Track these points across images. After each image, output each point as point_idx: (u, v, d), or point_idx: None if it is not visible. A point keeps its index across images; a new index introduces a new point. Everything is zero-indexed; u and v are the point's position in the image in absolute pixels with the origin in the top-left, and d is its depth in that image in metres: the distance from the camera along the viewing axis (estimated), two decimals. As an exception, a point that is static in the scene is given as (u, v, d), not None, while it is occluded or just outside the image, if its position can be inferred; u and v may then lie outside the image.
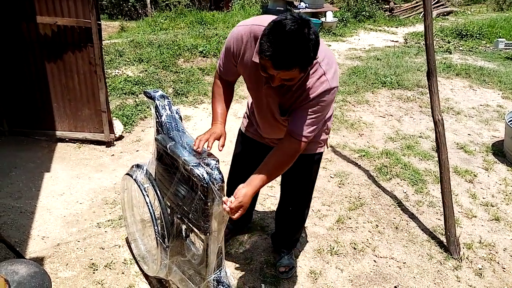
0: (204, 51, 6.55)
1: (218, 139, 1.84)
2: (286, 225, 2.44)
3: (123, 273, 2.43)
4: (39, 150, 3.67)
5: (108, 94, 3.84)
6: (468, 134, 4.56)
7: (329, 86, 1.60)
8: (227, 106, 2.00)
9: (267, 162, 1.74)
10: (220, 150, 1.82)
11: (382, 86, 5.81)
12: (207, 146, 1.80)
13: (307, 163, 2.13)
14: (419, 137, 4.41)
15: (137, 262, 2.48)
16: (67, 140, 3.82)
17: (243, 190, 1.69)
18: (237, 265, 2.53)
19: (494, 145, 4.30)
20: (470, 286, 2.54)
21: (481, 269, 2.67)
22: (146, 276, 2.39)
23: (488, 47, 8.47)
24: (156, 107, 2.15)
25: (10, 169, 3.35)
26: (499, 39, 8.40)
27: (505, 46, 8.23)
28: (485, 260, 2.75)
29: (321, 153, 2.15)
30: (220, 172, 1.75)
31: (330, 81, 1.60)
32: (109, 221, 2.85)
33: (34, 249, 2.56)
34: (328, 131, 2.12)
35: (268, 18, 1.58)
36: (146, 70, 5.61)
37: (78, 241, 2.65)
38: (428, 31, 2.74)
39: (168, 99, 2.19)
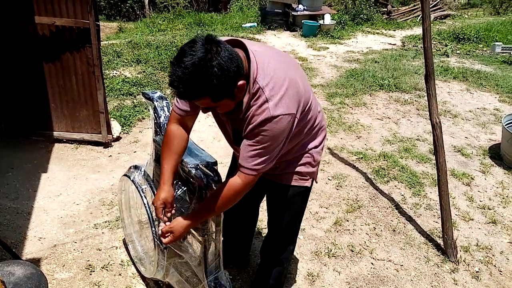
0: (202, 53, 6.54)
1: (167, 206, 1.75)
2: (265, 260, 2.19)
3: (120, 274, 2.42)
4: (36, 151, 3.65)
5: (106, 95, 3.83)
6: (465, 137, 4.58)
7: (270, 114, 1.42)
8: (178, 159, 1.75)
9: (212, 195, 1.63)
10: (168, 217, 1.75)
11: (380, 88, 5.82)
12: (164, 218, 1.76)
13: (287, 196, 1.89)
14: (417, 140, 4.43)
15: (134, 264, 2.47)
16: (64, 141, 3.80)
17: (179, 219, 1.67)
18: (235, 268, 2.53)
19: (491, 148, 4.31)
20: (467, 289, 2.54)
21: (478, 272, 2.68)
22: (143, 277, 2.38)
23: (485, 50, 8.51)
24: (155, 108, 2.15)
25: (7, 170, 3.33)
26: (496, 43, 8.44)
27: (501, 50, 8.27)
28: (482, 263, 2.76)
29: (306, 188, 1.90)
30: (218, 174, 1.75)
31: (272, 109, 1.42)
32: (106, 222, 2.84)
33: (31, 250, 2.55)
34: (315, 163, 1.87)
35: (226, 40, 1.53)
36: (144, 71, 5.60)
37: (75, 242, 2.64)
38: (426, 34, 2.75)
39: (167, 100, 2.19)
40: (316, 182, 2.01)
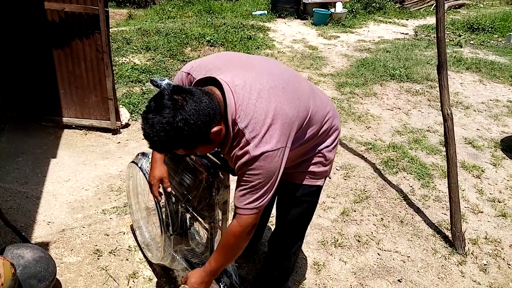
0: (211, 40, 6.52)
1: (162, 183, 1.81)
2: (273, 252, 2.15)
3: (127, 259, 2.45)
4: (46, 137, 3.68)
5: (115, 81, 3.84)
6: (477, 129, 4.51)
7: (251, 156, 1.36)
8: None
9: (219, 246, 1.59)
10: (169, 191, 1.80)
11: (391, 79, 5.75)
12: (160, 196, 1.83)
13: (298, 194, 1.84)
14: (427, 131, 4.37)
15: (141, 249, 2.49)
16: (73, 127, 3.83)
17: (195, 274, 1.63)
18: (241, 256, 2.53)
19: (503, 141, 4.24)
20: (474, 281, 2.52)
21: (486, 264, 2.66)
22: (150, 263, 2.40)
23: (500, 41, 8.33)
24: (162, 95, 2.14)
25: (17, 155, 3.37)
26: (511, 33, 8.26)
27: (517, 40, 8.09)
28: (490, 256, 2.73)
29: (318, 186, 1.85)
30: (224, 161, 1.74)
31: (252, 150, 1.36)
32: (114, 208, 2.86)
33: (40, 234, 2.58)
34: (327, 162, 1.80)
35: (210, 64, 1.51)
36: (153, 58, 5.59)
37: (83, 227, 2.67)
38: (439, 24, 2.69)
39: (175, 87, 2.17)
40: (330, 178, 1.97)
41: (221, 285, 1.85)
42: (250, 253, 2.55)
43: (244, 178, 1.43)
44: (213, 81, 1.41)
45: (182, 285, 1.69)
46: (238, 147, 1.39)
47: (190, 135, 1.28)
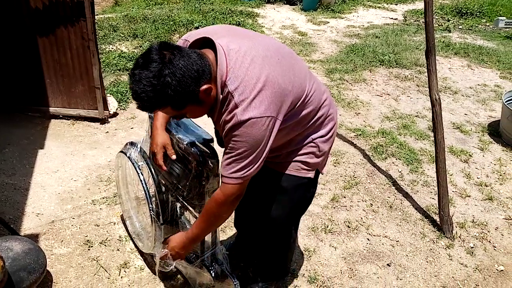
0: (200, 27, 6.43)
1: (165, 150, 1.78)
2: (263, 251, 2.09)
3: (118, 249, 2.45)
4: (33, 127, 3.63)
5: (102, 70, 3.78)
6: (465, 114, 4.55)
7: (237, 120, 1.32)
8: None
9: (202, 212, 1.59)
10: (174, 159, 1.77)
11: (380, 64, 5.75)
12: (163, 164, 1.79)
13: (288, 186, 1.75)
14: (416, 116, 4.40)
15: (132, 239, 2.49)
16: (60, 117, 3.77)
17: (175, 239, 1.68)
18: (231, 243, 2.55)
19: (490, 125, 4.29)
20: (462, 264, 2.58)
21: (472, 247, 2.71)
22: (141, 252, 2.41)
23: (488, 25, 8.37)
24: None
25: (3, 146, 3.32)
26: (500, 18, 8.29)
27: (505, 24, 8.13)
28: (477, 239, 2.79)
29: (308, 179, 1.75)
30: (214, 151, 1.73)
31: (240, 114, 1.32)
32: (104, 198, 2.85)
33: (29, 226, 2.56)
34: (320, 153, 1.71)
35: (209, 30, 1.49)
36: (140, 46, 5.51)
37: (73, 218, 2.66)
38: (428, 8, 2.68)
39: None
40: (322, 173, 1.86)
41: (212, 273, 1.86)
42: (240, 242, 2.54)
43: (230, 145, 1.39)
44: (208, 44, 1.40)
45: (162, 247, 1.72)
46: (227, 110, 1.36)
47: (178, 90, 1.25)
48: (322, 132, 1.70)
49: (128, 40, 5.70)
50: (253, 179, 1.52)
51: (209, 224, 1.60)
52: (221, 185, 1.48)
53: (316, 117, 1.64)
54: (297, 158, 1.70)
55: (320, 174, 1.85)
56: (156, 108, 1.31)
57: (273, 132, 1.39)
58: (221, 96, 1.36)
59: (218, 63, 1.33)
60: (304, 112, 1.56)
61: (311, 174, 1.75)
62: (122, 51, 5.32)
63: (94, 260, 2.36)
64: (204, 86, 1.31)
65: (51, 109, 3.74)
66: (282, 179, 1.75)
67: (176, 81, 1.24)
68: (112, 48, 5.38)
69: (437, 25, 7.99)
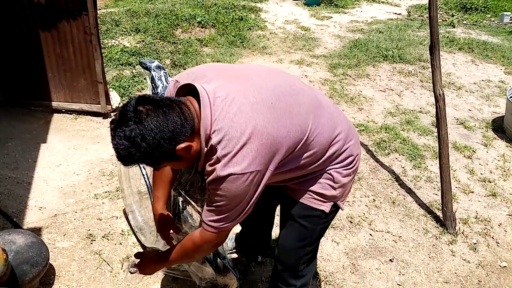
0: (202, 22, 6.41)
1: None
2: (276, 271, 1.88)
3: (120, 243, 2.45)
4: (35, 121, 3.63)
5: (104, 64, 3.77)
6: (469, 110, 4.53)
7: (216, 175, 1.24)
8: (169, 187, 1.72)
9: (179, 244, 1.53)
10: (184, 232, 1.75)
11: (384, 59, 5.72)
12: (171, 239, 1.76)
13: (298, 214, 1.62)
14: (419, 112, 4.38)
15: (134, 233, 2.49)
16: (63, 111, 3.77)
17: (147, 257, 1.63)
18: (234, 238, 2.55)
19: (494, 121, 4.27)
20: (464, 260, 2.57)
21: (475, 243, 2.70)
22: (143, 247, 2.41)
23: (493, 21, 8.30)
24: (152, 78, 2.11)
25: (6, 140, 3.32)
26: (505, 13, 8.22)
27: (510, 20, 8.06)
28: (480, 235, 2.78)
29: (321, 212, 1.59)
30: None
31: (220, 170, 1.23)
32: (106, 192, 2.85)
33: (32, 220, 2.57)
34: (336, 185, 1.54)
35: (200, 72, 1.39)
36: (143, 41, 5.50)
37: (76, 212, 2.66)
38: (432, 3, 2.66)
39: (164, 70, 2.14)
40: (342, 209, 1.68)
41: (214, 267, 1.86)
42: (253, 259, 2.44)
43: (210, 196, 1.32)
44: (195, 91, 1.29)
45: (132, 261, 1.72)
46: (209, 163, 1.27)
47: (149, 152, 1.18)
48: (337, 165, 1.54)
49: (131, 34, 5.69)
50: (266, 200, 1.46)
51: (182, 259, 1.59)
52: (200, 229, 1.43)
53: (326, 155, 1.48)
54: (311, 187, 1.56)
55: (340, 210, 1.67)
56: (132, 164, 1.27)
57: (260, 184, 1.30)
58: (205, 149, 1.27)
59: (202, 116, 1.24)
60: (307, 154, 1.42)
61: (325, 207, 1.59)
62: (124, 45, 5.31)
63: (97, 253, 2.36)
64: (182, 145, 1.22)
65: (54, 104, 3.74)
66: (294, 206, 1.62)
67: (146, 143, 1.17)
68: (115, 43, 5.37)
69: (441, 20, 7.93)
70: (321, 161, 1.48)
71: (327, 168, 1.53)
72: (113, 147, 1.20)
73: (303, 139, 1.37)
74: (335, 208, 1.64)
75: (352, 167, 1.57)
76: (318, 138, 1.41)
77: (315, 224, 1.63)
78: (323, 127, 1.43)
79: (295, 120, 1.34)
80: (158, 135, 1.17)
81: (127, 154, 1.19)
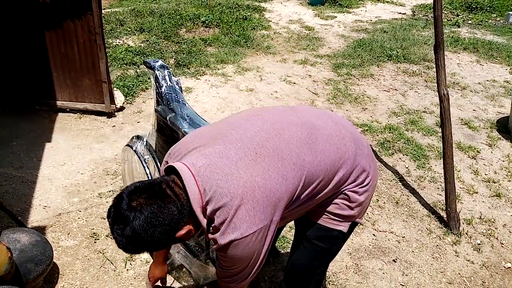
0: (206, 21, 6.42)
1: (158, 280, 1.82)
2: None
3: (124, 243, 2.46)
4: (40, 120, 3.65)
5: (109, 64, 3.79)
6: (473, 110, 4.50)
7: (219, 244, 1.22)
8: None
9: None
10: None
11: (388, 59, 5.70)
12: None
13: (313, 234, 1.56)
14: (423, 112, 4.36)
15: (138, 233, 2.50)
16: (67, 111, 3.79)
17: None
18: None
19: (499, 121, 4.24)
20: (468, 260, 2.56)
21: (479, 244, 2.69)
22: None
23: (498, 20, 8.25)
24: (156, 78, 2.12)
25: (11, 139, 3.34)
26: (510, 13, 8.16)
27: (515, 19, 8.01)
28: (484, 235, 2.77)
29: (339, 232, 1.52)
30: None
31: (220, 238, 1.20)
32: (110, 191, 2.86)
33: (36, 218, 2.58)
34: (353, 205, 1.47)
35: (183, 146, 1.34)
36: (147, 40, 5.52)
37: (80, 211, 2.67)
38: (437, 3, 2.65)
39: (168, 69, 2.15)
40: (362, 224, 1.67)
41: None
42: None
43: (219, 259, 1.31)
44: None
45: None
46: (210, 232, 1.25)
47: (148, 245, 1.18)
48: (351, 184, 1.46)
49: (135, 34, 5.70)
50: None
51: None
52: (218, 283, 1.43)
53: (336, 179, 1.40)
54: (328, 208, 1.48)
55: (359, 224, 1.62)
56: (131, 253, 1.27)
57: (267, 237, 1.25)
58: (205, 221, 1.24)
59: (189, 192, 1.19)
60: (312, 186, 1.35)
61: (342, 227, 1.51)
62: (129, 45, 5.33)
63: (101, 252, 2.37)
64: (182, 232, 1.21)
65: (58, 103, 3.76)
66: (310, 227, 1.55)
67: (144, 240, 1.16)
68: (119, 42, 5.39)
69: (446, 20, 7.89)
70: (331, 186, 1.40)
71: (341, 190, 1.45)
72: (113, 237, 1.19)
73: (303, 176, 1.30)
74: (353, 226, 1.57)
75: (368, 183, 1.48)
76: (320, 166, 1.34)
77: (331, 244, 1.57)
78: (323, 153, 1.35)
79: (287, 161, 1.27)
80: (155, 230, 1.15)
81: (128, 249, 1.19)
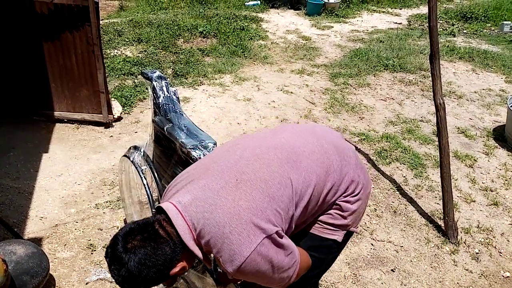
0: (204, 32, 6.46)
1: None
2: None
3: (121, 254, 2.44)
4: (38, 131, 3.65)
5: (107, 74, 3.80)
6: (470, 119, 4.53)
7: (230, 272, 1.24)
8: None
9: None
10: None
11: (384, 69, 5.74)
12: None
13: (308, 244, 1.53)
14: (420, 121, 4.38)
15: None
16: (65, 121, 3.79)
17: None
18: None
19: (495, 130, 4.27)
20: (467, 270, 2.55)
21: (478, 253, 2.68)
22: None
23: (493, 30, 8.33)
24: (154, 88, 2.12)
25: (8, 150, 3.34)
26: (505, 22, 8.25)
27: (510, 29, 8.09)
28: (482, 244, 2.76)
29: (333, 241, 1.53)
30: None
31: (229, 268, 1.23)
32: (107, 202, 2.85)
33: (32, 230, 2.57)
34: (346, 213, 1.49)
35: (172, 187, 1.39)
36: (145, 51, 5.54)
37: (77, 222, 2.66)
38: (432, 13, 2.68)
39: (166, 80, 2.16)
40: (357, 233, 1.68)
41: (215, 276, 1.85)
42: None
43: (244, 280, 1.32)
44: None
45: None
46: (208, 260, 1.30)
47: (143, 282, 1.21)
48: (341, 196, 1.48)
49: (133, 44, 5.73)
50: None
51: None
52: None
53: (323, 196, 1.43)
54: (321, 218, 1.51)
55: (355, 233, 1.63)
56: None
57: (280, 244, 1.26)
58: (200, 252, 1.26)
59: (179, 230, 1.22)
60: (303, 201, 1.37)
61: (337, 236, 1.53)
62: (127, 55, 5.35)
63: (97, 264, 2.36)
64: (175, 270, 1.24)
65: (56, 113, 3.76)
66: (303, 237, 1.55)
67: (138, 280, 1.20)
68: (117, 53, 5.41)
69: (441, 29, 7.97)
70: (321, 199, 1.42)
71: (333, 201, 1.47)
72: (111, 274, 1.23)
73: (291, 193, 1.32)
74: (348, 236, 1.58)
75: (359, 192, 1.50)
76: (307, 182, 1.36)
77: (325, 254, 1.57)
78: (307, 170, 1.37)
79: (271, 181, 1.30)
80: (150, 270, 1.19)
81: (124, 286, 1.23)
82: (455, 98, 5.01)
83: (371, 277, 2.45)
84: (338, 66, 5.78)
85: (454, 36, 7.69)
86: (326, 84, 5.15)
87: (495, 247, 2.75)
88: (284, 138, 1.46)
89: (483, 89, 5.30)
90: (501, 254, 2.70)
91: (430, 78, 2.87)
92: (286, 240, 1.30)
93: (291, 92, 4.86)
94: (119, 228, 2.62)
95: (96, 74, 3.57)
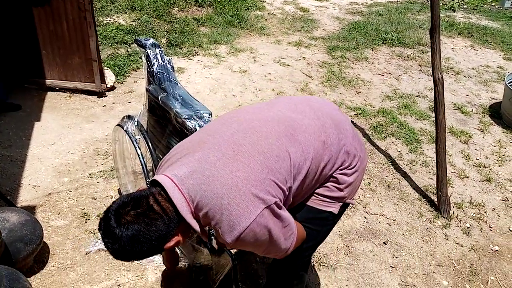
0: (199, 0, 6.29)
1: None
2: (270, 280, 1.87)
3: (115, 223, 2.44)
4: (29, 99, 3.58)
5: (99, 42, 3.71)
6: (466, 95, 4.51)
7: (229, 244, 1.26)
8: None
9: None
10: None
11: (383, 43, 5.66)
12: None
13: (304, 216, 1.54)
14: (417, 96, 4.36)
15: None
16: (57, 89, 3.72)
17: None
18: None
19: (492, 107, 4.26)
20: (457, 243, 2.59)
21: (469, 227, 2.72)
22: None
23: (494, 5, 8.21)
24: (147, 56, 2.07)
25: (-1, 117, 3.28)
26: (506, -2, 8.13)
27: (511, 4, 7.97)
28: (473, 219, 2.80)
29: (329, 213, 1.54)
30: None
31: (228, 238, 1.23)
32: (101, 172, 2.83)
33: (25, 198, 2.55)
34: (342, 186, 1.49)
35: (168, 159, 1.36)
36: (139, 19, 5.40)
37: (70, 191, 2.65)
38: (434, -16, 2.61)
39: (160, 48, 2.10)
40: (353, 205, 1.68)
41: (209, 246, 1.85)
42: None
43: (247, 247, 1.31)
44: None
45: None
46: (211, 235, 1.28)
47: (137, 256, 1.22)
48: (338, 169, 1.48)
49: (126, 12, 5.58)
50: None
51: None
52: None
53: (321, 169, 1.43)
54: (317, 190, 1.51)
55: (351, 205, 1.63)
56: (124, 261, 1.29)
57: (278, 215, 1.25)
58: (197, 225, 1.25)
59: (176, 203, 1.21)
60: (301, 175, 1.37)
61: (333, 208, 1.53)
62: (120, 23, 5.21)
63: (91, 232, 2.36)
64: (169, 244, 1.24)
65: (48, 81, 3.68)
66: (299, 209, 1.55)
67: (131, 253, 1.20)
68: (110, 21, 5.27)
69: (441, 3, 7.83)
70: (319, 172, 1.42)
71: (330, 174, 1.47)
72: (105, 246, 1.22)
73: (290, 166, 1.31)
74: (344, 208, 1.58)
75: (355, 164, 1.50)
76: (305, 155, 1.36)
77: (321, 226, 1.58)
78: (304, 143, 1.37)
79: (269, 153, 1.29)
80: (143, 246, 1.18)
81: (118, 259, 1.23)
82: (452, 74, 4.97)
83: (363, 249, 2.48)
84: (336, 39, 5.69)
85: (454, 11, 7.57)
86: (324, 57, 5.08)
87: (486, 222, 2.79)
88: (281, 111, 1.44)
89: (481, 66, 5.26)
90: (491, 229, 2.74)
91: (428, 53, 2.83)
92: (284, 212, 1.30)
93: (288, 65, 4.79)
94: (113, 198, 2.61)
95: (88, 41, 3.47)
